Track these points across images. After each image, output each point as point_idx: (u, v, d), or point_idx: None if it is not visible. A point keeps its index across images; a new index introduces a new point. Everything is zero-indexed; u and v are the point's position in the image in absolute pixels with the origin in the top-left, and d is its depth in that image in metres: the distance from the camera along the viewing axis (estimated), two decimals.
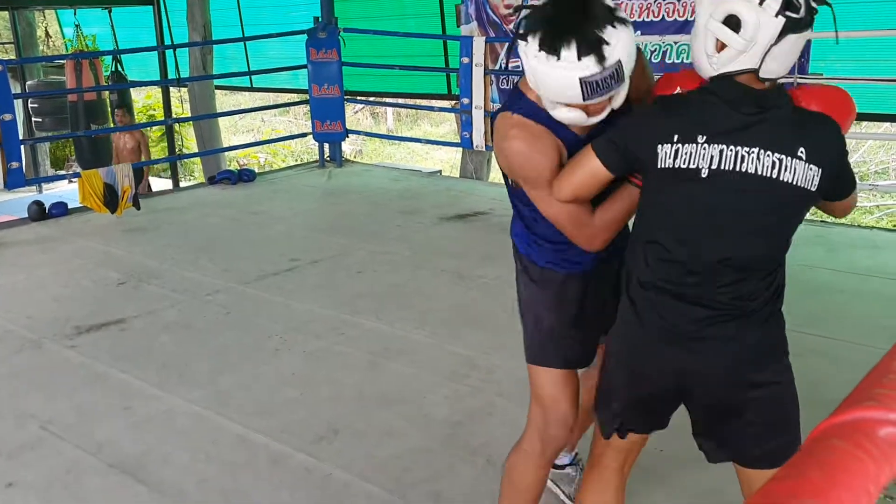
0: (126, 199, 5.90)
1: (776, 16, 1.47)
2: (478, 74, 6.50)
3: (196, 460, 2.74)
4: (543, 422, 1.98)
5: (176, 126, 13.10)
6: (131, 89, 9.77)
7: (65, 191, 7.86)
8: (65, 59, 9.05)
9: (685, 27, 5.95)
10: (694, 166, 1.56)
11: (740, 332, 1.63)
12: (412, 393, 3.19)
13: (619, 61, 1.53)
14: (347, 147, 13.84)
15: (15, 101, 5.99)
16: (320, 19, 7.27)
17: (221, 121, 11.55)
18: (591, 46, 1.50)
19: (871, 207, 12.88)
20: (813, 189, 1.56)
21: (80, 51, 8.53)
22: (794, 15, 1.47)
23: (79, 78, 8.15)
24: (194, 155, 10.52)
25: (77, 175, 5.94)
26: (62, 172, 11.12)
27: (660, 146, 1.58)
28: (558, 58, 1.52)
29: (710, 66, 1.58)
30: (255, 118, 18.30)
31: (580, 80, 1.53)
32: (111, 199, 5.83)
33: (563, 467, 2.49)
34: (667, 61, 6.08)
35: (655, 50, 6.14)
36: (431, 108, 11.56)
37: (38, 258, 5.08)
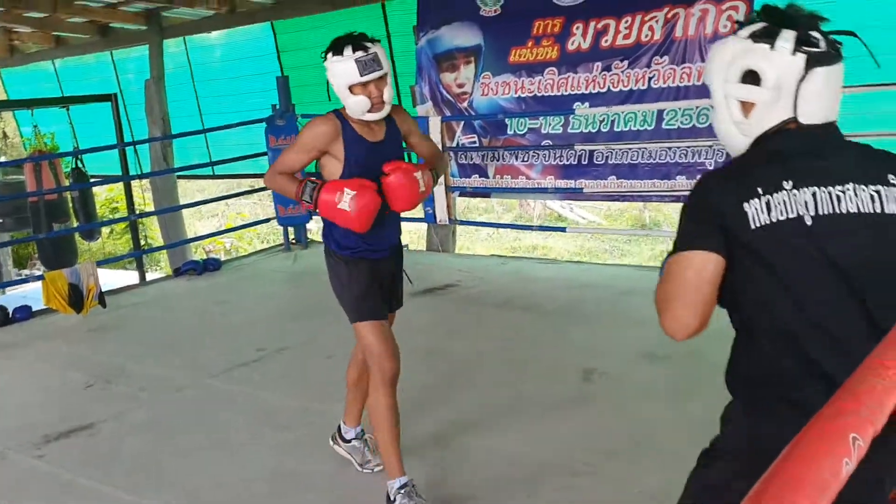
0: (92, 298, 5.88)
1: (794, 54, 1.39)
2: None
3: None
4: (376, 361, 2.88)
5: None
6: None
7: (28, 290, 7.80)
8: (23, 162, 9.06)
9: (629, 97, 6.16)
10: (794, 215, 1.36)
11: None
12: (385, 482, 3.18)
13: (376, 53, 2.70)
14: (314, 225, 13.92)
15: None
16: (278, 107, 7.41)
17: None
18: (359, 47, 2.69)
19: None
20: None
21: (38, 151, 8.57)
22: (813, 49, 1.39)
23: (39, 178, 8.18)
24: (160, 248, 10.52)
25: (41, 277, 5.92)
26: (25, 273, 11.03)
27: (746, 204, 1.38)
28: (342, 55, 2.69)
29: (743, 134, 1.48)
30: (219, 202, 18.34)
31: (355, 60, 2.67)
32: (76, 298, 5.81)
33: (349, 441, 3.30)
34: (615, 129, 6.26)
35: (604, 119, 6.33)
36: None
37: (1, 364, 5.03)
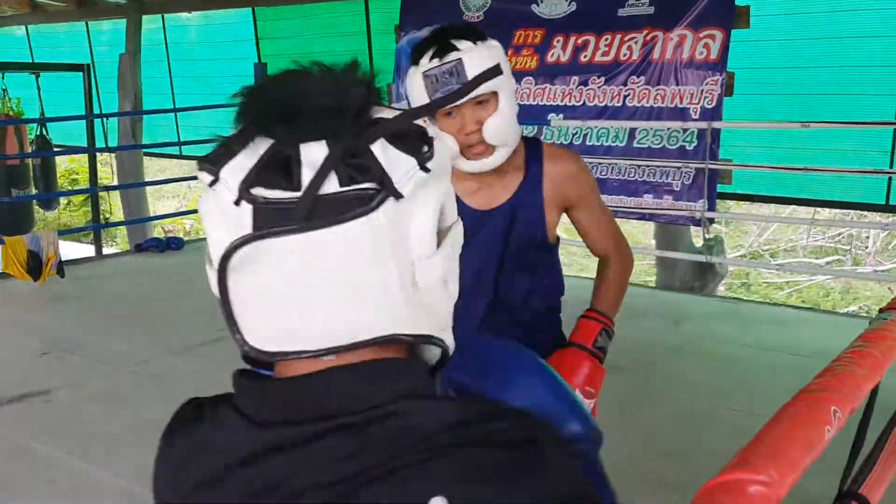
0: (50, 266, 5.82)
1: (237, 203, 0.66)
2: None
3: None
4: None
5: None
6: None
7: None
8: None
9: (604, 113, 6.30)
10: None
11: None
12: None
13: (460, 59, 1.56)
14: None
15: None
16: None
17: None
18: (441, 50, 1.58)
19: (782, 283, 13.50)
20: None
21: (5, 115, 8.44)
22: (271, 195, 0.65)
23: (2, 142, 8.06)
24: (122, 223, 10.40)
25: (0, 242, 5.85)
26: None
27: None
28: (417, 65, 1.62)
29: None
30: (181, 183, 18.18)
31: (422, 73, 1.59)
32: (35, 265, 5.75)
33: None
34: (587, 143, 6.39)
35: (577, 132, 6.46)
36: None
37: None
